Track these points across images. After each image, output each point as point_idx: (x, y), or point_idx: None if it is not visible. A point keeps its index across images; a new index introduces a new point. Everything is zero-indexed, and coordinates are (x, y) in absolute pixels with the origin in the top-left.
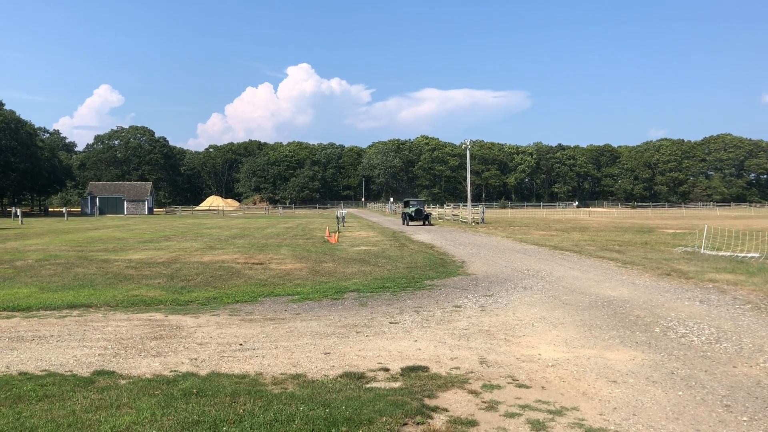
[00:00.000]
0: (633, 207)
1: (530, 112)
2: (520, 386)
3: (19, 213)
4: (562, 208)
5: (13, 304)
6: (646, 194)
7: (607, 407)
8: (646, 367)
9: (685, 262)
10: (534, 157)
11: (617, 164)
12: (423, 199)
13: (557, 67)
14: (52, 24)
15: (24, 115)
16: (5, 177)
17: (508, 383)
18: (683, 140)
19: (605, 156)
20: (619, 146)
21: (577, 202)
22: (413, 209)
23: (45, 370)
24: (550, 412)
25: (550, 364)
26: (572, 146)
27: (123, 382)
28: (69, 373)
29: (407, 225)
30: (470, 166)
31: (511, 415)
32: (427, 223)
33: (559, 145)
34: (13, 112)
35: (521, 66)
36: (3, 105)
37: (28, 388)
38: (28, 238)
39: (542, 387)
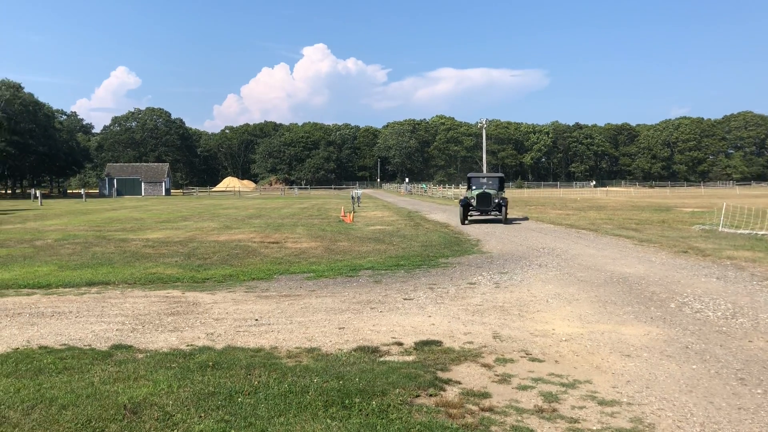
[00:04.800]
0: (651, 186)
1: (548, 90)
2: (534, 360)
3: (38, 195)
4: (579, 187)
5: (33, 282)
6: (665, 173)
7: (620, 380)
8: (661, 341)
9: (702, 240)
10: (551, 136)
11: (635, 143)
12: (497, 175)
13: (576, 45)
14: (69, 7)
15: (42, 97)
16: (24, 159)
17: (522, 357)
18: (702, 118)
19: (623, 135)
20: (638, 125)
21: (594, 182)
22: (476, 193)
23: (64, 344)
24: (562, 385)
25: (563, 338)
26: (590, 125)
27: (140, 355)
28: (87, 347)
29: (466, 222)
30: (486, 145)
31: (524, 388)
32: (499, 216)
33: (577, 124)
34: (31, 95)
35: (540, 44)
36: (22, 88)
37: (48, 361)
38: (47, 218)
39: (555, 361)
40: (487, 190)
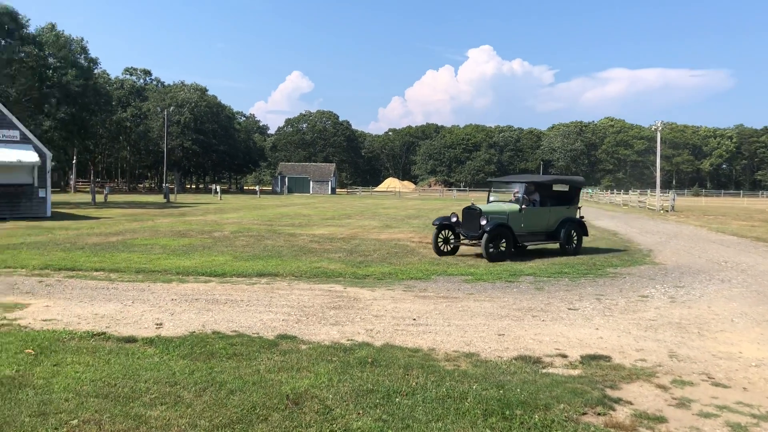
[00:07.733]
0: None
1: (733, 92)
2: (717, 385)
3: (218, 190)
4: (767, 197)
5: (210, 270)
6: None
7: None
8: None
9: None
10: (734, 141)
11: None
12: (526, 180)
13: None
14: (252, 16)
15: (224, 100)
16: (207, 157)
17: (703, 381)
18: None
19: None
20: None
21: None
22: (466, 210)
23: (235, 331)
24: (753, 416)
25: (753, 363)
26: None
27: (303, 347)
28: (256, 335)
29: (445, 250)
30: (660, 150)
31: (707, 415)
32: (479, 244)
33: (765, 128)
34: (214, 98)
35: (726, 42)
36: (206, 91)
37: (219, 346)
38: (225, 212)
39: (743, 388)
40: (475, 205)
